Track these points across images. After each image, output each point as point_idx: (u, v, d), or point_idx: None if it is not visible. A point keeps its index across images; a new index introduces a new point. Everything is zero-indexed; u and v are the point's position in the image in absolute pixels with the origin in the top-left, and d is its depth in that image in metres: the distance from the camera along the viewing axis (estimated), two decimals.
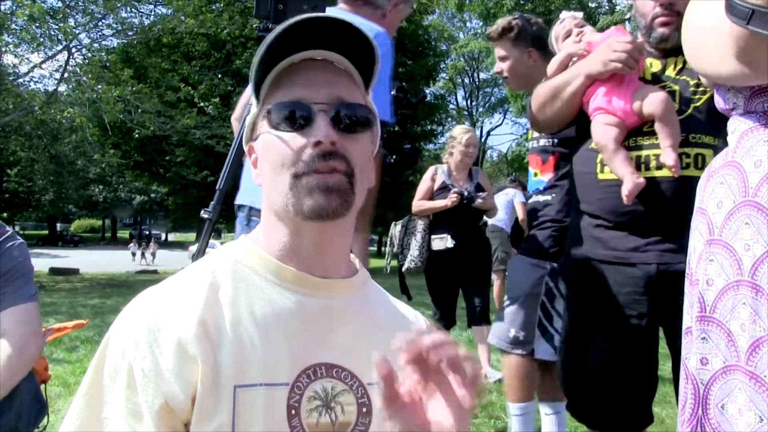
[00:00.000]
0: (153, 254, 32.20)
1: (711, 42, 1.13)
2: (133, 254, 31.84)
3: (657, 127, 1.82)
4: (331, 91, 0.90)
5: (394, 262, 4.89)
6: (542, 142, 2.83)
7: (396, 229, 4.96)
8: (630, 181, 1.77)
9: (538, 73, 2.73)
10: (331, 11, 2.12)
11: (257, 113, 0.95)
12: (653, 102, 1.83)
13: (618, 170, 1.82)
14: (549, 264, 2.66)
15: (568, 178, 2.15)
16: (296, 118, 0.88)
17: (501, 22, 2.89)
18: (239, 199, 2.38)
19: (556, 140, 2.72)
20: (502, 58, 2.87)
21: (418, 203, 4.59)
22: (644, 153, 1.85)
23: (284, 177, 0.88)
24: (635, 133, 1.88)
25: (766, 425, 1.09)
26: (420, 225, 4.52)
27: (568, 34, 2.26)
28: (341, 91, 0.91)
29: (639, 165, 1.85)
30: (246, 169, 2.44)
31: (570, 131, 2.61)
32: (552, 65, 2.15)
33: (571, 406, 2.00)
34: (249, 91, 2.69)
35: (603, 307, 1.89)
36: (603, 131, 1.88)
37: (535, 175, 2.82)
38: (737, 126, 1.24)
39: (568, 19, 2.32)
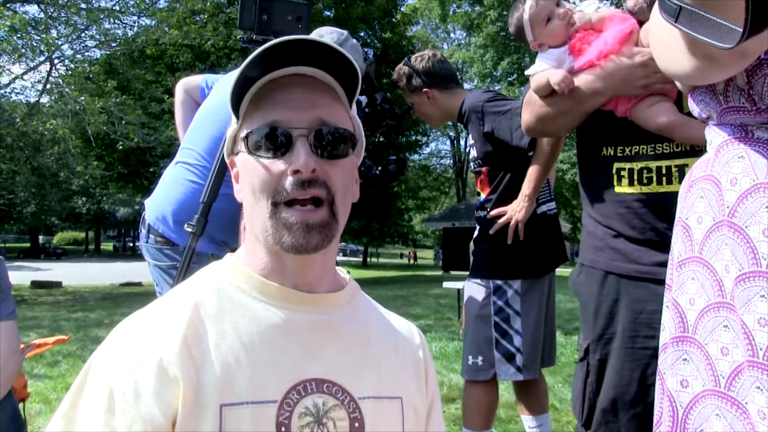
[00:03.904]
0: None
1: (673, 40, 1.08)
2: None
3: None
4: (311, 113, 0.88)
5: None
6: (472, 164, 2.85)
7: None
8: None
9: (446, 105, 2.81)
10: None
11: (237, 129, 0.93)
12: (662, 112, 1.58)
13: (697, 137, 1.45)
14: (492, 282, 2.62)
15: (580, 183, 1.92)
16: (275, 144, 0.87)
17: (394, 75, 2.91)
18: (149, 217, 2.36)
19: (479, 161, 2.73)
20: (411, 105, 2.91)
21: None
22: (665, 164, 1.63)
23: (263, 203, 0.87)
24: (654, 138, 1.65)
25: None
26: None
27: (548, 17, 1.86)
28: (322, 111, 0.89)
29: (660, 178, 1.63)
30: (166, 180, 2.39)
31: (488, 147, 2.63)
32: (539, 86, 1.81)
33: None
34: (180, 94, 2.64)
35: (621, 326, 1.68)
36: (655, 113, 1.62)
37: (478, 194, 2.83)
38: (713, 138, 1.22)
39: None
